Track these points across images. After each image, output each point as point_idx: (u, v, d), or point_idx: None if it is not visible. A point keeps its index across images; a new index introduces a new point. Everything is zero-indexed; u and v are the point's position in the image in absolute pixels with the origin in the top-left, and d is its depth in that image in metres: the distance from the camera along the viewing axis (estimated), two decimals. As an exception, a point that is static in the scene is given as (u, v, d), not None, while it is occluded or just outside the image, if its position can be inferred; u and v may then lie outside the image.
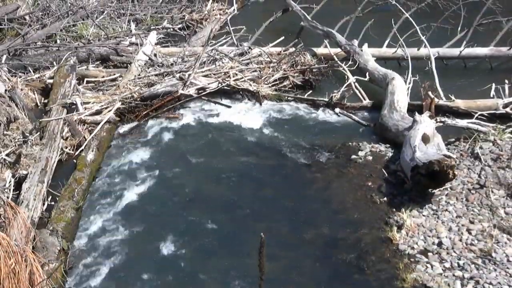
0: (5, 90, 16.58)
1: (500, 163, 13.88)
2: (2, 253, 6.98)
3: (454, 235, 12.23)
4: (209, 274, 11.76)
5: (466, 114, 16.00)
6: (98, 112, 16.34)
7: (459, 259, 11.66)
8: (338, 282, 11.54)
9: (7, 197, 12.40)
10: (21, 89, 17.13)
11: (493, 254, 11.58)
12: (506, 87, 16.45)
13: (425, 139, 13.82)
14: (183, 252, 12.34)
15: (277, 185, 14.38)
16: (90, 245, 12.49)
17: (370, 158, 14.86)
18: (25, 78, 17.83)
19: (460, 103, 16.22)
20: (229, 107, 17.23)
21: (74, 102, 16.45)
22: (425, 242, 12.16)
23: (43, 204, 13.24)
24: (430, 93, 16.08)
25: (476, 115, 15.79)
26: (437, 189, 13.28)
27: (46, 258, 10.99)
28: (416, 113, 15.01)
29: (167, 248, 12.43)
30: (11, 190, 13.46)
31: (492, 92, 16.57)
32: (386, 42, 19.29)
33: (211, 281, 11.63)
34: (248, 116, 16.83)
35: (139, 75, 17.94)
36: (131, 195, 13.93)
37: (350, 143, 15.47)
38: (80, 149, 15.03)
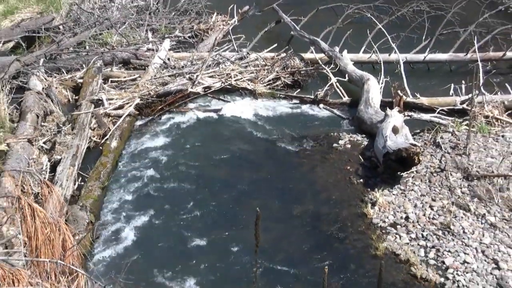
0: (42, 88, 16.57)
1: (457, 150, 13.91)
2: (39, 223, 6.99)
3: (418, 211, 12.29)
4: (213, 242, 11.84)
5: (429, 109, 16.04)
6: (120, 107, 16.31)
7: (423, 231, 11.73)
8: (321, 250, 11.56)
9: (44, 178, 12.40)
10: (56, 87, 17.09)
11: (452, 227, 11.65)
12: (463, 87, 16.49)
13: (395, 130, 13.82)
14: (191, 224, 12.41)
15: (270, 168, 14.39)
16: (113, 218, 12.54)
17: (348, 146, 14.86)
18: (59, 78, 17.76)
19: (424, 100, 16.23)
20: (230, 102, 17.20)
21: (100, 98, 16.45)
22: (394, 217, 12.21)
23: (74, 184, 13.26)
24: (399, 91, 16.09)
25: (437, 110, 15.89)
26: (405, 172, 13.34)
27: (76, 229, 11.04)
28: (388, 108, 15.02)
29: (178, 221, 12.49)
30: (47, 172, 13.48)
31: (451, 91, 16.65)
32: (362, 48, 19.25)
33: (215, 247, 11.72)
34: (246, 110, 16.78)
35: (155, 75, 17.89)
36: (147, 176, 13.95)
37: (332, 133, 15.48)
38: (105, 138, 14.99)
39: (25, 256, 7.13)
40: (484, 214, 11.98)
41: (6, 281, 6.17)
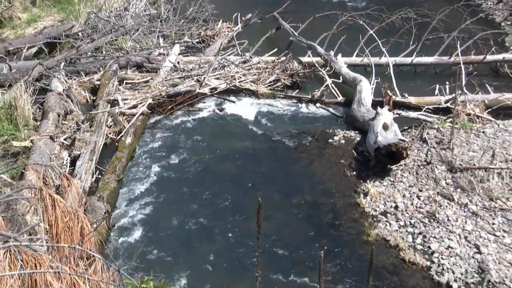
0: (63, 90, 16.57)
1: (442, 145, 13.89)
2: (59, 212, 7.00)
3: (407, 200, 12.30)
4: (220, 229, 11.90)
5: (416, 108, 16.02)
6: (134, 106, 16.30)
7: (411, 219, 11.76)
8: (318, 237, 11.59)
9: (64, 171, 12.38)
10: (75, 89, 17.09)
11: (437, 215, 11.68)
12: (447, 87, 16.47)
13: (385, 127, 13.82)
14: (200, 212, 12.46)
15: (271, 162, 14.40)
16: (128, 208, 12.58)
17: (343, 141, 14.85)
18: (78, 80, 17.76)
19: (412, 100, 16.21)
20: (234, 102, 17.18)
21: (116, 99, 16.43)
22: (384, 206, 12.23)
23: (92, 177, 13.32)
24: (389, 91, 16.06)
25: (424, 109, 15.90)
26: (394, 165, 13.34)
27: (94, 218, 11.03)
28: (378, 107, 15.00)
29: (187, 210, 12.53)
30: (68, 166, 13.50)
31: (436, 91, 16.63)
32: (355, 52, 19.20)
33: (221, 234, 11.77)
34: (249, 109, 16.78)
35: (165, 78, 17.86)
36: (159, 169, 13.95)
37: (328, 130, 15.46)
38: (121, 135, 14.99)
39: (46, 242, 7.15)
40: (467, 203, 11.99)
41: (29, 264, 6.19)
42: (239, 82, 17.88)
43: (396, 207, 12.18)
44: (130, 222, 12.12)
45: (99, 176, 13.45)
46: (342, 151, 14.48)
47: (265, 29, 21.99)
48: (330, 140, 14.97)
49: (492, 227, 11.35)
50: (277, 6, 23.68)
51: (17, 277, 6.03)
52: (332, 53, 19.10)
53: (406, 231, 11.51)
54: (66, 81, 17.47)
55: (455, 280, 10.29)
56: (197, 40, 21.81)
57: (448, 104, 15.76)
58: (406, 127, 15.22)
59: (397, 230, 11.54)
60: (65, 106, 15.87)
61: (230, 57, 19.56)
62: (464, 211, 11.81)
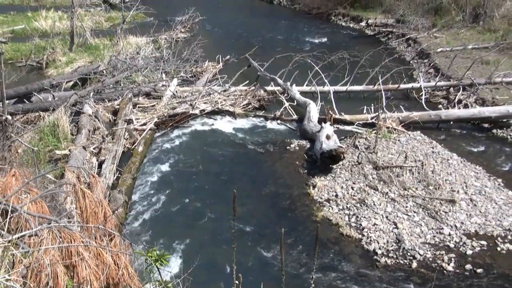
0: (92, 112, 16.44)
1: (369, 150, 13.95)
2: (88, 202, 6.97)
3: (344, 191, 12.33)
4: (207, 213, 11.83)
5: (350, 123, 16.08)
6: (144, 124, 16.20)
7: (347, 204, 11.79)
8: (279, 218, 11.60)
9: (93, 172, 12.28)
10: (101, 111, 16.93)
11: (366, 201, 11.75)
12: (372, 107, 16.62)
13: (328, 137, 13.86)
14: (191, 201, 12.39)
15: (244, 163, 14.35)
16: (141, 198, 12.48)
17: (297, 148, 14.86)
18: (103, 105, 17.59)
19: (347, 117, 16.27)
20: (217, 120, 17.11)
21: (131, 118, 16.34)
22: (328, 195, 12.25)
23: (114, 176, 13.16)
24: (330, 111, 16.12)
25: (355, 123, 15.99)
26: (335, 165, 13.35)
27: (115, 206, 10.95)
28: (323, 123, 15.09)
29: (183, 200, 12.44)
30: (96, 168, 13.35)
31: (364, 111, 16.74)
32: (305, 83, 19.27)
33: (207, 217, 11.69)
34: (228, 125, 16.74)
35: (167, 103, 17.80)
36: (163, 170, 13.86)
37: (286, 140, 15.46)
38: (134, 145, 14.86)
39: (78, 223, 7.11)
40: (387, 192, 12.07)
41: (66, 240, 6.18)
42: (221, 105, 17.84)
43: (336, 196, 12.19)
44: (141, 209, 12.02)
45: (119, 175, 13.32)
46: (297, 155, 14.49)
47: (240, 67, 22.07)
48: (287, 147, 14.97)
49: (405, 209, 11.43)
50: (248, 50, 23.89)
51: (57, 249, 6.03)
52: (288, 83, 19.15)
53: (344, 213, 11.53)
54: (94, 106, 17.28)
55: (379, 248, 10.35)
56: (190, 75, 21.79)
57: (373, 120, 15.85)
58: (343, 137, 15.25)
59: (337, 212, 11.56)
60: (94, 124, 15.75)
61: (214, 87, 19.51)
62: (386, 198, 11.88)
